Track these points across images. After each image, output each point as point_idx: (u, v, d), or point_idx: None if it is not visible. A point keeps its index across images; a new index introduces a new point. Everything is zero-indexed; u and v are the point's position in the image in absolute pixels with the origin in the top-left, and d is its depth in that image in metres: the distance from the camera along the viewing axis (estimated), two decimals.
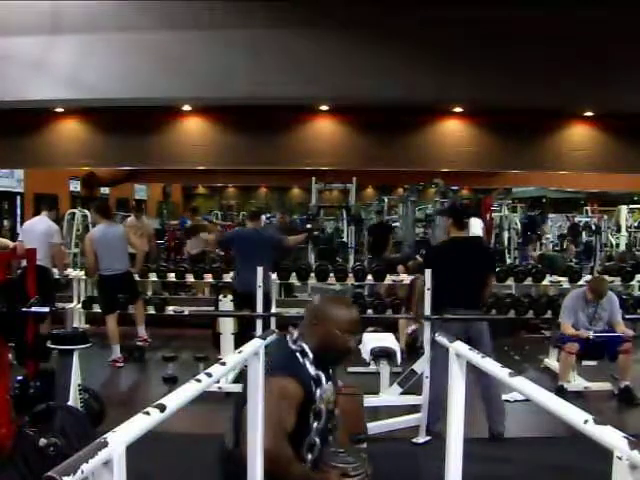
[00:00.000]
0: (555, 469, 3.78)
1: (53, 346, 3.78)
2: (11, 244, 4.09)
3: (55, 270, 7.13)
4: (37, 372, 3.99)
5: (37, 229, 6.61)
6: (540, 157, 7.43)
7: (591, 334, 5.30)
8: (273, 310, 6.15)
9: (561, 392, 5.10)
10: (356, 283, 7.82)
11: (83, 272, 7.90)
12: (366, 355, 4.78)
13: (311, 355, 2.30)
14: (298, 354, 2.32)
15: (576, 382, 5.51)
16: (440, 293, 4.25)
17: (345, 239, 10.48)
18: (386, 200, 13.91)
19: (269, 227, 9.82)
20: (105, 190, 15.10)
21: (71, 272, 7.93)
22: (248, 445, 2.02)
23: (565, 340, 5.42)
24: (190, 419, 4.11)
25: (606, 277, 5.93)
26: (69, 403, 3.63)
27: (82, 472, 1.00)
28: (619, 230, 13.35)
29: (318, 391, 2.21)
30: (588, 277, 8.46)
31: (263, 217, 9.85)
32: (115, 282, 6.51)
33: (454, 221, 4.65)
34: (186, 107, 7.28)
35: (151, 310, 8.23)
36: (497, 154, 7.45)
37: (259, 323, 4.52)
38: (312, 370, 2.26)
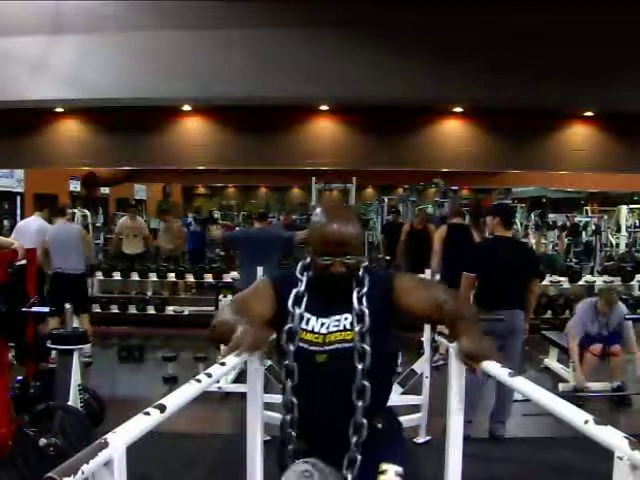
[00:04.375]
0: (555, 469, 3.78)
1: (53, 346, 3.79)
2: (15, 243, 4.08)
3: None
4: (37, 372, 3.99)
5: (30, 229, 6.59)
6: (540, 157, 7.43)
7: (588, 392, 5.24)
8: None
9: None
10: None
11: None
12: None
13: (306, 275, 1.88)
14: (299, 268, 1.91)
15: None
16: (486, 292, 4.32)
17: None
18: (386, 200, 13.92)
19: (275, 226, 9.79)
20: (105, 190, 15.11)
21: None
22: (248, 439, 2.01)
23: (588, 342, 5.37)
24: (190, 419, 4.11)
25: (614, 288, 5.78)
26: (69, 403, 3.63)
27: (82, 473, 0.99)
28: (619, 230, 13.35)
29: (290, 301, 1.82)
30: (588, 277, 8.49)
31: None
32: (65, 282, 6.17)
33: (501, 220, 4.64)
34: (186, 107, 7.29)
35: (151, 310, 8.26)
36: (497, 154, 7.45)
37: None
38: (301, 285, 1.86)
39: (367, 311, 1.77)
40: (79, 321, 6.27)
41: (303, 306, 1.83)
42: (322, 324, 1.83)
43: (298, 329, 1.81)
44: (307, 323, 1.83)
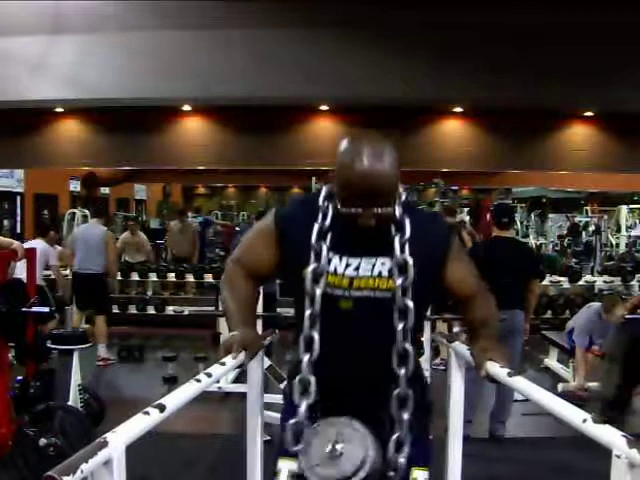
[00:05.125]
0: (555, 469, 3.78)
1: (53, 346, 3.79)
2: (15, 243, 4.07)
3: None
4: (37, 372, 3.99)
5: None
6: (540, 157, 7.43)
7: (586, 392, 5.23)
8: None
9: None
10: None
11: None
12: None
13: (331, 205, 1.56)
14: (323, 195, 1.60)
15: (576, 382, 5.51)
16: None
17: None
18: None
19: None
20: (105, 190, 15.10)
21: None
22: (248, 439, 2.01)
23: (590, 343, 5.33)
24: (190, 419, 4.11)
25: (617, 296, 5.79)
26: (69, 403, 3.64)
27: (82, 472, 0.99)
28: (619, 230, 13.36)
29: (313, 237, 1.53)
30: (588, 277, 8.49)
31: None
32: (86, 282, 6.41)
33: (496, 220, 4.64)
34: (186, 107, 7.29)
35: (151, 310, 8.27)
36: (497, 154, 7.45)
37: (259, 323, 4.52)
38: (325, 218, 1.55)
39: (411, 261, 1.50)
40: (94, 327, 6.41)
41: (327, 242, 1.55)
42: (348, 265, 1.56)
43: (325, 269, 1.53)
44: (328, 263, 1.56)
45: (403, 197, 1.56)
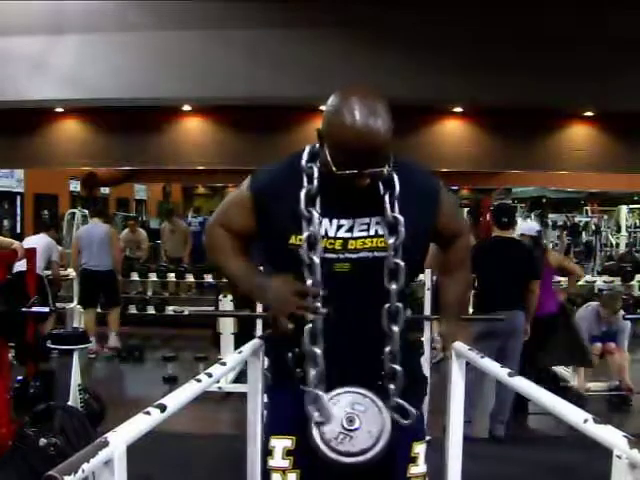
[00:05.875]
0: (555, 469, 3.78)
1: (53, 346, 3.79)
2: (15, 243, 4.08)
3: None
4: (37, 372, 3.99)
5: (38, 245, 6.59)
6: (540, 157, 7.43)
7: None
8: None
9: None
10: None
11: None
12: None
13: (316, 167, 1.50)
14: (306, 156, 1.54)
15: (576, 382, 5.51)
16: (485, 293, 4.31)
17: None
18: None
19: None
20: (105, 190, 15.11)
21: (71, 272, 7.93)
22: (248, 441, 2.01)
23: (589, 342, 5.32)
24: (190, 419, 4.12)
25: (618, 293, 5.89)
26: (69, 403, 3.64)
27: (83, 471, 1.00)
28: (619, 230, 13.36)
29: (302, 203, 1.46)
30: (588, 277, 8.49)
31: None
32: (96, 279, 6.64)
33: (495, 220, 4.64)
34: (186, 107, 7.29)
35: (151, 310, 8.28)
36: (497, 154, 7.45)
37: (259, 323, 4.52)
38: (312, 181, 1.48)
39: (402, 219, 1.46)
40: (108, 316, 6.75)
41: (313, 206, 1.49)
42: (340, 226, 1.50)
43: (320, 235, 1.46)
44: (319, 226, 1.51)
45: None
